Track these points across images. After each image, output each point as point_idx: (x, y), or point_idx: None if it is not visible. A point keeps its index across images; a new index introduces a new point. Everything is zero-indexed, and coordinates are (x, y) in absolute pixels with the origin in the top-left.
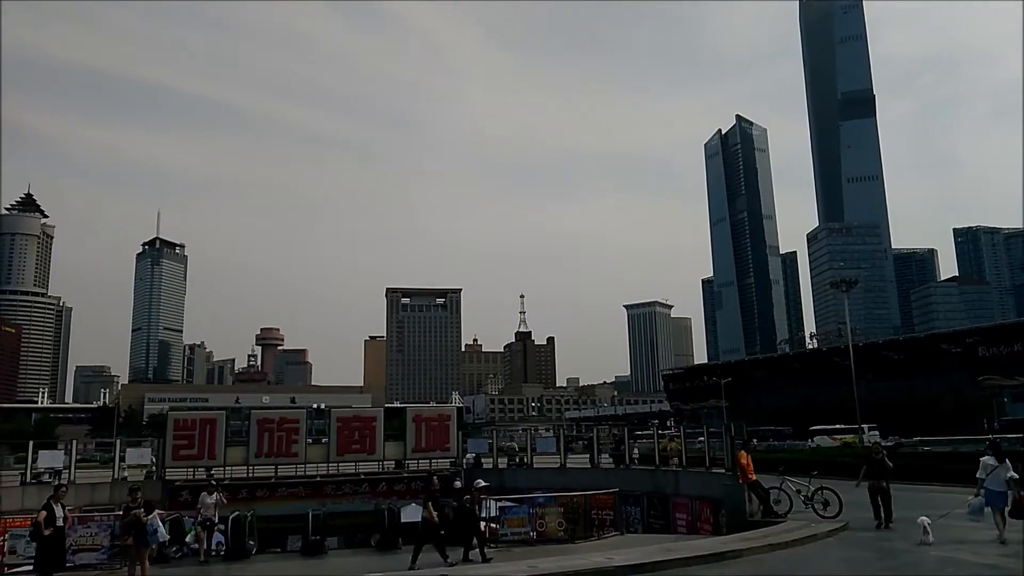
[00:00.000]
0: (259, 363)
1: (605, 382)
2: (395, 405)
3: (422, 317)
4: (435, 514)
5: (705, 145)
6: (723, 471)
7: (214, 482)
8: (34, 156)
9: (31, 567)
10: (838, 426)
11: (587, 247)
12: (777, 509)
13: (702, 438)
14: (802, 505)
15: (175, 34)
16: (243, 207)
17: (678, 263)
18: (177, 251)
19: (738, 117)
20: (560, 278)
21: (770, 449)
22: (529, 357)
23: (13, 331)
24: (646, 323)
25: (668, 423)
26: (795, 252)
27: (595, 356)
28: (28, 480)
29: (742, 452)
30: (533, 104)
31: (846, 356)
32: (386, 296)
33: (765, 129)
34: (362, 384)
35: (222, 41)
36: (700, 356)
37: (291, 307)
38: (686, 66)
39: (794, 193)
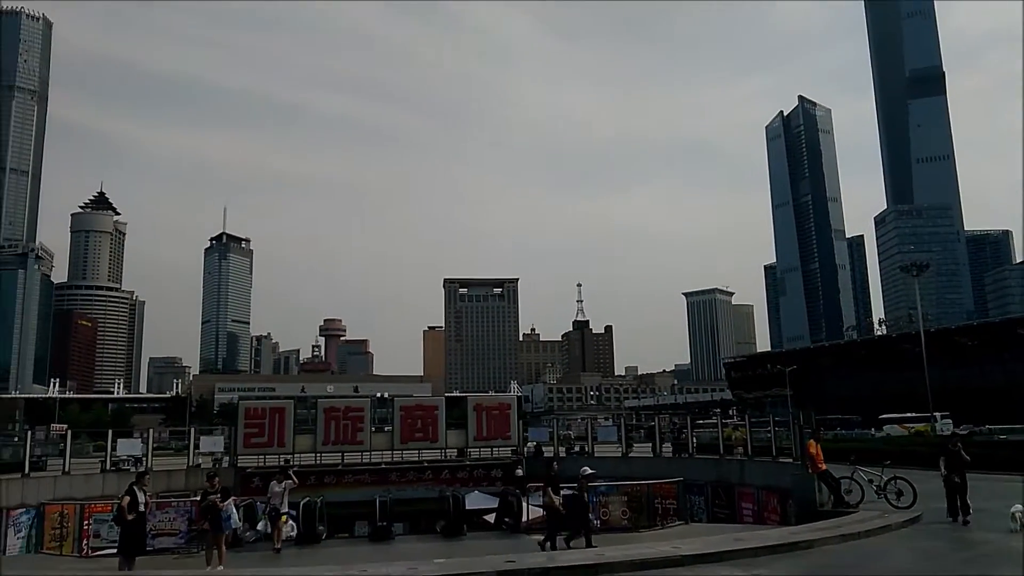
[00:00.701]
0: (323, 353)
1: (664, 371)
2: (455, 394)
3: (480, 307)
4: (557, 500)
5: (766, 128)
6: (791, 460)
7: (285, 468)
8: (106, 157)
9: (114, 550)
10: (909, 415)
11: (645, 235)
12: (848, 499)
13: (768, 427)
14: (874, 495)
15: (238, 36)
16: (305, 202)
17: (739, 249)
18: (243, 245)
19: (801, 98)
20: (618, 267)
21: (837, 438)
22: (587, 346)
23: (90, 325)
24: (706, 311)
25: (730, 412)
26: (862, 236)
27: (654, 344)
28: (108, 467)
29: (811, 441)
30: (588, 93)
31: (917, 342)
32: (444, 287)
33: (829, 110)
34: (422, 373)
35: (282, 41)
36: (763, 344)
37: (353, 299)
38: (744, 48)
39: (860, 175)
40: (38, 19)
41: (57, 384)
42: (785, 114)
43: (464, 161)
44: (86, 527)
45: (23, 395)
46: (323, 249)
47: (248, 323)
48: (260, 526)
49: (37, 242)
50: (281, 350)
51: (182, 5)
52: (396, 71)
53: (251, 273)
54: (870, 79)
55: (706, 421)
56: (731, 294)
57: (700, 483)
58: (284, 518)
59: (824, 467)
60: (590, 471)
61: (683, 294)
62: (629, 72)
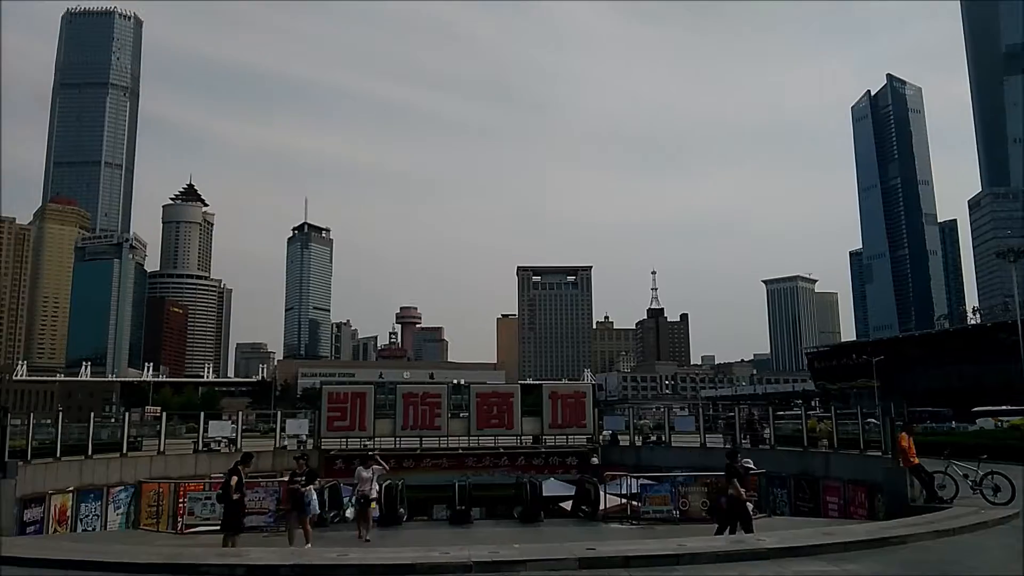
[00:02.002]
0: (399, 340)
1: (743, 360)
2: (529, 382)
3: (553, 295)
4: (743, 491)
5: (852, 108)
6: (880, 454)
7: (372, 452)
8: (194, 149)
9: (207, 527)
10: (1004, 407)
11: (722, 221)
12: (942, 494)
13: (855, 419)
14: (969, 491)
15: (318, 29)
16: (382, 191)
17: (822, 235)
18: (324, 235)
19: (889, 77)
20: (693, 254)
21: (927, 432)
22: (662, 334)
23: (181, 312)
24: (787, 298)
25: (813, 403)
26: (955, 220)
27: (732, 333)
28: (200, 448)
29: (903, 434)
30: (662, 76)
31: (1014, 332)
32: (517, 275)
33: (919, 88)
34: (496, 361)
35: (362, 35)
36: (847, 333)
37: (428, 287)
38: (827, 27)
39: (953, 156)
40: (129, 18)
41: (151, 368)
42: (872, 93)
43: (538, 149)
44: (181, 505)
45: (119, 379)
46: (399, 238)
47: (329, 310)
48: (349, 513)
49: (131, 233)
50: (360, 337)
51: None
52: (468, 61)
53: (331, 262)
54: (963, 55)
55: (788, 412)
56: (814, 281)
57: (783, 476)
58: (373, 505)
59: (916, 461)
60: (749, 463)
61: (763, 282)
62: (705, 54)
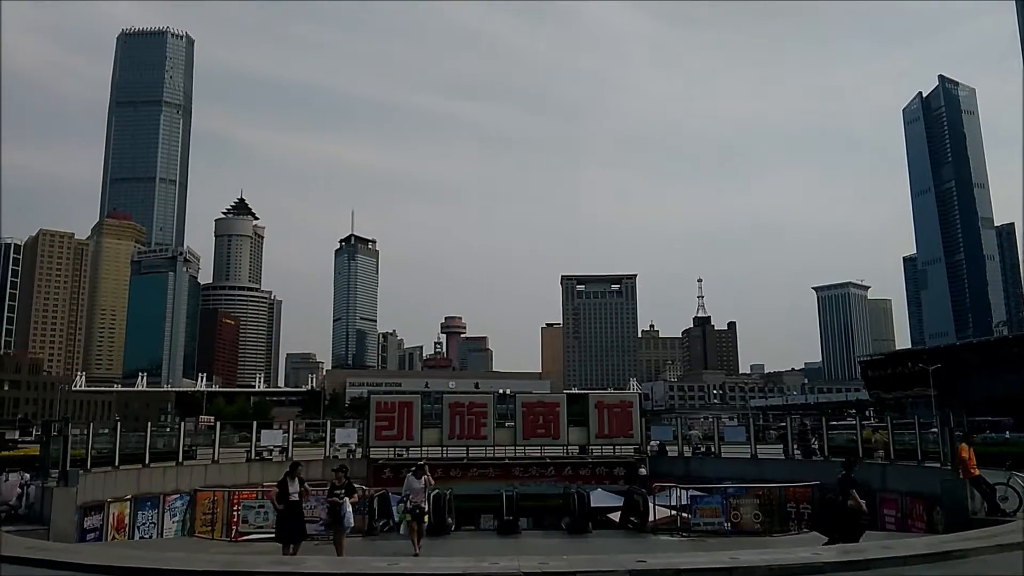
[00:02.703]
0: (444, 350)
1: (793, 369)
2: (575, 391)
3: (597, 303)
4: (863, 502)
5: (903, 110)
6: (938, 465)
7: (422, 462)
8: (245, 164)
9: (260, 535)
10: None
11: (769, 227)
12: (1004, 507)
13: (912, 429)
14: None
15: (361, 47)
16: (426, 202)
17: (874, 240)
18: (369, 246)
19: (941, 78)
20: (740, 261)
21: (987, 442)
22: (709, 343)
23: (233, 323)
24: (838, 306)
25: (867, 413)
26: (1012, 224)
27: (781, 342)
28: (252, 457)
29: (963, 445)
30: (703, 81)
31: None
32: (561, 283)
33: (973, 89)
34: (540, 370)
35: (401, 49)
36: (902, 341)
37: (472, 297)
38: (876, 27)
39: (1009, 158)
40: (182, 37)
41: (204, 378)
42: (924, 95)
43: (580, 157)
44: (234, 513)
45: (174, 389)
46: (443, 248)
47: (375, 320)
48: (403, 530)
49: (185, 246)
50: (405, 347)
51: (309, 15)
52: (509, 70)
53: (377, 272)
54: (1018, 54)
55: (841, 422)
56: (866, 288)
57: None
58: (427, 518)
59: (977, 472)
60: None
61: (813, 288)
62: (750, 56)
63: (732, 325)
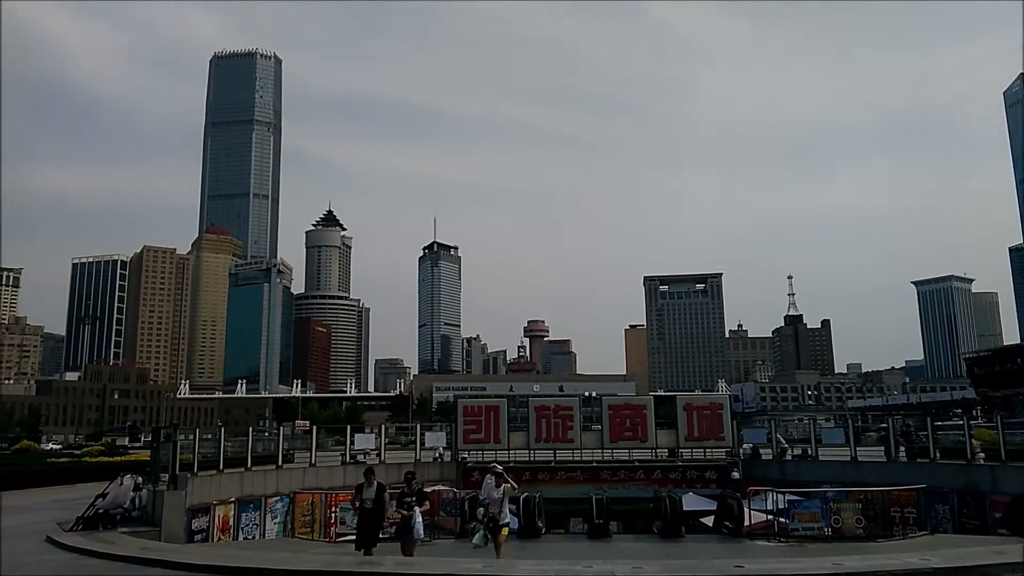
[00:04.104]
0: (528, 353)
1: (893, 368)
2: (662, 393)
3: (682, 304)
4: None
5: (1004, 93)
6: None
7: (497, 469)
8: (331, 178)
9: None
10: None
11: (863, 220)
12: None
13: None
14: None
15: (439, 60)
16: (506, 208)
17: (978, 231)
18: (452, 253)
19: None
20: (833, 256)
21: None
22: (801, 342)
23: (324, 331)
24: (941, 300)
25: (974, 412)
26: None
27: (880, 339)
28: (347, 460)
29: None
30: (783, 73)
31: None
32: (644, 285)
33: None
34: (625, 372)
35: (478, 61)
36: (1010, 336)
37: (554, 300)
38: (969, 6)
39: None
40: (270, 58)
41: (299, 385)
42: None
43: (659, 158)
44: (331, 514)
45: (271, 395)
46: (525, 253)
47: (459, 326)
48: (477, 539)
49: (278, 258)
50: (489, 351)
51: (385, 32)
52: (582, 76)
53: (460, 278)
54: None
55: (946, 423)
56: (970, 281)
57: (943, 491)
58: (505, 531)
59: None
60: None
61: (913, 283)
62: (835, 45)
63: (826, 323)
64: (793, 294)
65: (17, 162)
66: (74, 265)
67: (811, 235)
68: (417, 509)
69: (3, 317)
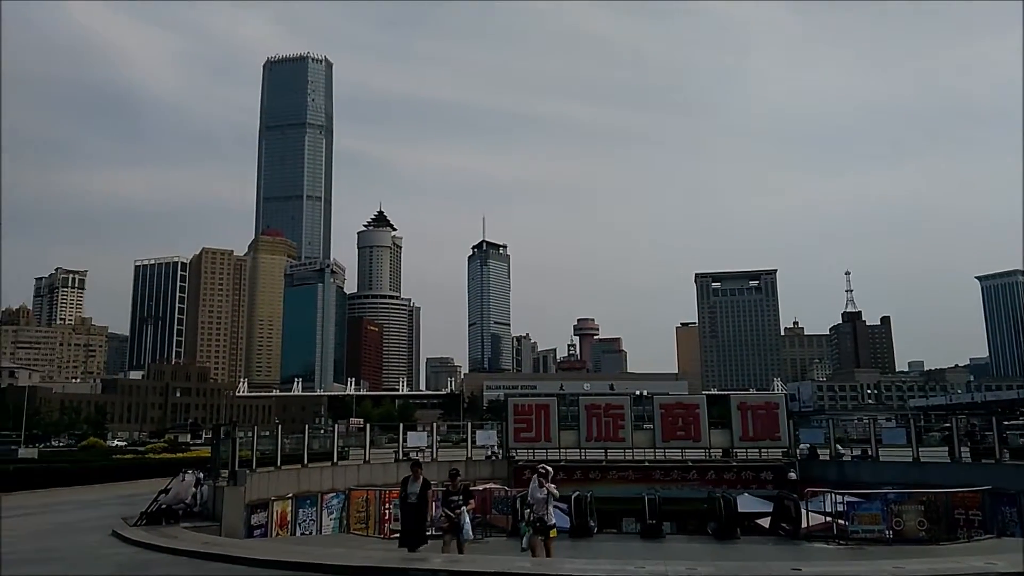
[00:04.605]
0: (578, 352)
1: (957, 365)
2: (715, 392)
3: (735, 301)
4: None
5: None
6: None
7: (542, 469)
8: (382, 178)
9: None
10: None
11: (922, 213)
12: None
13: None
14: None
15: (485, 58)
16: (555, 205)
17: None
18: (501, 251)
19: None
20: (892, 251)
21: None
22: (860, 339)
23: (376, 330)
24: (1007, 295)
25: None
26: None
27: (943, 336)
28: (400, 457)
29: None
30: (836, 64)
31: None
32: (695, 281)
33: None
34: (676, 371)
35: (526, 58)
36: None
37: (604, 298)
38: None
39: None
40: (321, 61)
41: (353, 383)
42: None
43: (708, 152)
44: (385, 511)
45: (326, 393)
46: (574, 251)
47: (509, 324)
48: (525, 543)
49: (331, 259)
50: (539, 349)
51: (433, 32)
52: (629, 69)
53: (509, 277)
54: None
55: (1013, 422)
56: None
57: (1010, 492)
58: (554, 532)
59: None
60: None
61: (976, 278)
62: (881, 30)
63: (886, 320)
64: (851, 290)
65: (80, 167)
66: (136, 267)
67: (869, 229)
68: (464, 509)
69: (70, 318)
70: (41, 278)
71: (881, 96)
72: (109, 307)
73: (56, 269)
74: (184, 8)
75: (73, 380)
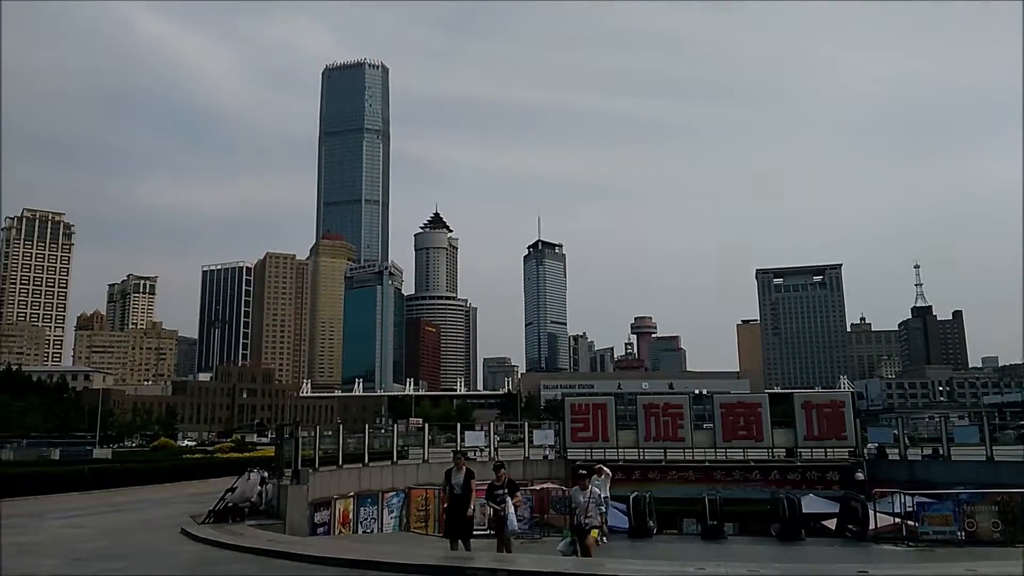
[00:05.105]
0: (635, 350)
1: None
2: (777, 391)
3: (798, 297)
4: None
5: None
6: None
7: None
8: (437, 180)
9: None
10: None
11: (993, 203)
12: None
13: None
14: None
15: (538, 57)
16: (610, 203)
17: None
18: (556, 251)
19: None
20: (965, 242)
21: None
22: (931, 335)
23: (434, 330)
24: None
25: None
26: None
27: (1018, 331)
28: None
29: None
30: (904, 47)
31: None
32: (757, 278)
33: None
34: (738, 369)
35: (578, 55)
36: None
37: (661, 296)
38: None
39: None
40: (377, 67)
41: (412, 383)
42: None
43: (767, 144)
44: (444, 510)
45: (386, 393)
46: (630, 248)
47: (565, 324)
48: (562, 546)
49: (389, 261)
50: (596, 348)
51: (485, 32)
52: (683, 63)
53: (565, 276)
54: None
55: None
56: None
57: None
58: (595, 533)
59: None
60: None
61: None
62: (966, 8)
63: (958, 314)
64: (920, 284)
65: (151, 177)
66: (204, 272)
67: (939, 221)
68: (509, 500)
69: (141, 323)
70: (114, 284)
71: (953, 81)
72: (179, 311)
73: (128, 275)
74: (246, 22)
75: (145, 382)
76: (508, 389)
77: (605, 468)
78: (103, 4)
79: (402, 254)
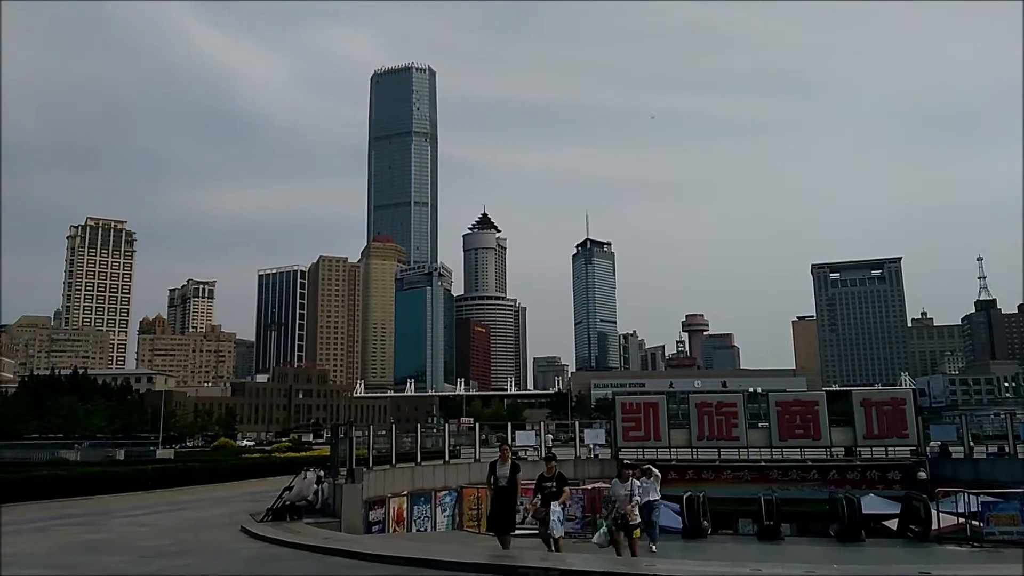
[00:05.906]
0: (687, 348)
1: None
2: (835, 388)
3: (856, 292)
4: None
5: None
6: None
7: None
8: (485, 181)
9: (522, 531)
10: None
11: None
12: None
13: None
14: None
15: (580, 54)
16: (658, 200)
17: None
18: (605, 249)
19: None
20: None
21: None
22: (996, 329)
23: (484, 330)
24: None
25: None
26: None
27: None
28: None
29: None
30: (960, 39)
31: None
32: (812, 273)
33: None
34: (793, 367)
35: (621, 52)
36: None
37: (713, 293)
38: None
39: None
40: (425, 71)
41: (462, 383)
42: None
43: (823, 136)
44: None
45: (437, 393)
46: (680, 245)
47: (615, 322)
48: (597, 537)
49: (439, 262)
50: (647, 347)
51: (529, 33)
52: (733, 55)
53: (614, 274)
54: None
55: None
56: None
57: None
58: (638, 532)
59: None
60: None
61: None
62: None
63: None
64: (984, 277)
65: (206, 184)
66: (260, 276)
67: (1003, 211)
68: (554, 504)
69: (201, 326)
70: (174, 289)
71: (1012, 68)
72: (237, 315)
73: (188, 280)
74: (296, 30)
75: (205, 384)
76: (558, 388)
77: (654, 469)
78: (158, 16)
79: (451, 255)
